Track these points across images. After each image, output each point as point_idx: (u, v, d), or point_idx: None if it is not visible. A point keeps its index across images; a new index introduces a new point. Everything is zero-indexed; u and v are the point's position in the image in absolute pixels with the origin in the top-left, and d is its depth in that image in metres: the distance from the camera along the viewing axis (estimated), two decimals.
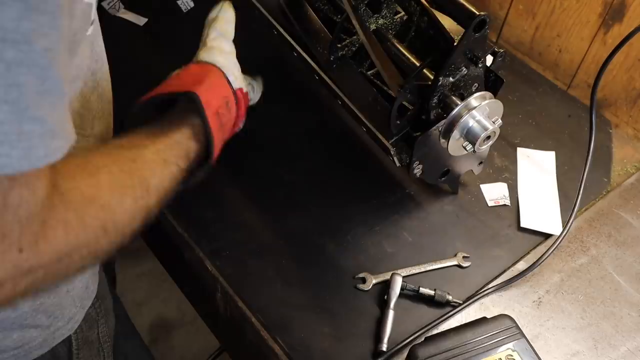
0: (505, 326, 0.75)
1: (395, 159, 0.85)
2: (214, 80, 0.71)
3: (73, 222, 0.47)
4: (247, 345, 0.85)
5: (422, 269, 0.86)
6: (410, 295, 0.83)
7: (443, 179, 0.92)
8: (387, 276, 0.84)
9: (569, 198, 0.96)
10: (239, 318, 0.83)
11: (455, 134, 0.82)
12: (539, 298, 0.85)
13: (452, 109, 0.81)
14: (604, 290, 0.87)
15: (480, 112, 0.82)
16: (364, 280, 0.84)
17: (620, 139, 1.09)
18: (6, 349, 0.67)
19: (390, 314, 0.80)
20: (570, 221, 0.91)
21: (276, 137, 1.01)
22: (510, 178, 1.00)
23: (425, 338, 0.76)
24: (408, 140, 0.85)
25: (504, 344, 0.73)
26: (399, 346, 0.78)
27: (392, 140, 0.84)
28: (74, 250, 0.47)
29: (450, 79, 0.79)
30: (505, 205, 0.96)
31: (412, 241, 0.90)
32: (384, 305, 0.81)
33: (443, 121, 0.82)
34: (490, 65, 0.84)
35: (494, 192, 0.97)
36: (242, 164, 0.96)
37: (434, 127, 0.82)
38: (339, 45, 0.88)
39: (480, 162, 0.95)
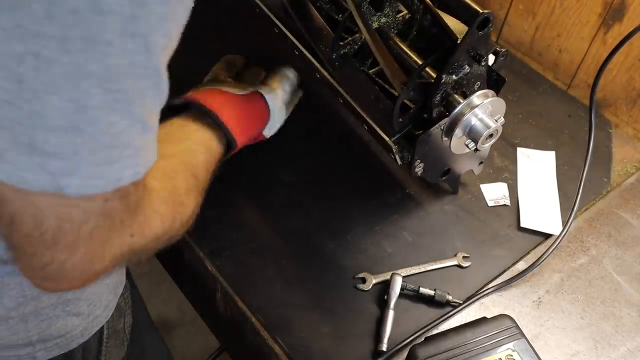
0: (505, 326, 0.75)
1: (397, 157, 0.85)
2: (254, 131, 0.89)
3: (166, 214, 0.59)
4: (247, 345, 0.85)
5: (422, 269, 0.86)
6: (410, 295, 0.83)
7: (444, 178, 0.92)
8: (387, 276, 0.84)
9: (569, 198, 0.96)
10: (239, 318, 0.83)
11: (458, 132, 0.82)
12: (539, 298, 0.85)
13: (455, 107, 0.81)
14: (604, 290, 0.87)
15: (483, 110, 0.82)
16: (364, 280, 0.84)
17: (620, 139, 1.09)
18: (50, 338, 0.69)
19: (390, 314, 0.80)
20: (570, 221, 0.91)
21: (276, 136, 1.01)
22: (510, 178, 1.00)
23: (425, 338, 0.76)
24: (410, 138, 0.85)
25: (504, 344, 0.73)
26: (399, 346, 0.78)
27: (394, 138, 0.84)
28: (164, 235, 0.59)
29: (453, 77, 0.79)
30: (505, 205, 0.96)
31: (412, 241, 0.90)
32: (384, 305, 0.81)
33: (445, 119, 0.82)
34: (493, 65, 0.84)
35: (494, 192, 0.97)
36: (242, 164, 0.96)
37: (436, 126, 0.82)
38: (341, 43, 0.88)
39: (481, 162, 0.95)
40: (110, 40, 0.41)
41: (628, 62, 1.07)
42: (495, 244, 0.91)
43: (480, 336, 0.74)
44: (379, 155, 0.99)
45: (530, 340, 0.74)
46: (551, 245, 0.89)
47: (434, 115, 0.82)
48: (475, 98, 0.81)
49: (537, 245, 0.91)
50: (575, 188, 0.93)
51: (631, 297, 0.87)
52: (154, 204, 0.56)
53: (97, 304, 0.73)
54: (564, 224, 0.92)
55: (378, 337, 0.78)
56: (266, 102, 0.89)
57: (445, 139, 0.84)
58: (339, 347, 0.78)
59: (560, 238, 0.90)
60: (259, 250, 0.87)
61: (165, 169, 0.63)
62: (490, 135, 0.82)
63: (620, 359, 0.80)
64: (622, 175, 1.03)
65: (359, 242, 0.89)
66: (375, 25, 0.87)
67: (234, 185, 0.94)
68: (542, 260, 0.87)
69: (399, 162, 0.86)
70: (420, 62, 0.83)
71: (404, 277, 0.84)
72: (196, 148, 0.74)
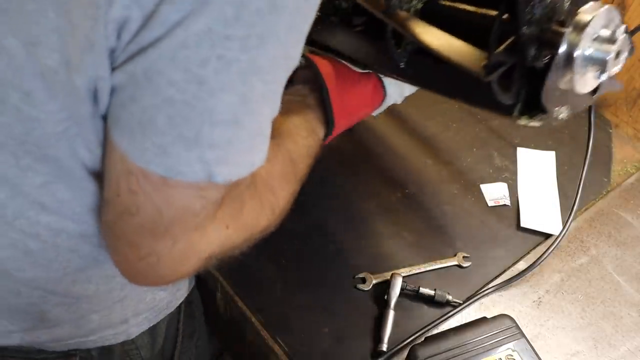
0: (505, 326, 0.75)
1: (534, 124, 0.67)
2: (360, 117, 0.81)
3: (256, 204, 0.57)
4: (247, 345, 0.85)
5: (422, 269, 0.86)
6: (410, 295, 0.83)
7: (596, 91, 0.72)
8: (387, 276, 0.84)
9: (569, 198, 0.95)
10: (239, 318, 0.83)
11: (578, 67, 0.63)
12: (539, 298, 0.85)
13: (560, 42, 0.62)
14: (604, 290, 0.87)
15: (597, 27, 0.63)
16: (364, 280, 0.84)
17: (620, 139, 1.10)
18: (141, 312, 0.73)
19: (390, 314, 0.80)
20: (570, 221, 0.91)
21: None
22: (510, 178, 1.00)
23: (425, 338, 0.76)
24: (533, 97, 0.65)
25: (504, 344, 0.73)
26: (399, 346, 0.78)
27: (515, 113, 0.68)
28: (255, 226, 0.58)
29: (533, 26, 0.61)
30: (505, 205, 0.96)
31: (412, 241, 0.90)
32: (384, 305, 0.81)
33: (557, 59, 0.62)
34: None
35: (494, 192, 0.97)
36: None
37: (551, 71, 0.63)
38: (399, 50, 0.72)
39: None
40: (279, 36, 0.43)
41: (628, 62, 1.06)
42: (495, 244, 0.91)
43: (480, 336, 0.74)
44: (380, 154, 0.99)
45: (530, 340, 0.74)
46: (551, 245, 0.89)
47: (542, 66, 0.64)
48: (583, 16, 0.62)
49: (537, 245, 0.91)
50: (575, 188, 0.93)
51: (631, 297, 0.87)
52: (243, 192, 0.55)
53: None
54: (564, 223, 0.92)
55: (378, 337, 0.78)
56: (383, 85, 0.80)
57: (564, 81, 0.65)
58: (339, 347, 0.78)
59: (560, 238, 0.90)
60: (258, 251, 0.87)
61: None
62: (618, 53, 0.64)
63: (620, 359, 0.80)
64: (622, 175, 1.03)
65: (359, 242, 0.89)
66: (419, 5, 0.71)
67: None
68: (542, 260, 0.87)
69: (539, 124, 0.67)
70: (491, 13, 0.65)
71: (404, 277, 0.84)
72: (297, 131, 0.69)
